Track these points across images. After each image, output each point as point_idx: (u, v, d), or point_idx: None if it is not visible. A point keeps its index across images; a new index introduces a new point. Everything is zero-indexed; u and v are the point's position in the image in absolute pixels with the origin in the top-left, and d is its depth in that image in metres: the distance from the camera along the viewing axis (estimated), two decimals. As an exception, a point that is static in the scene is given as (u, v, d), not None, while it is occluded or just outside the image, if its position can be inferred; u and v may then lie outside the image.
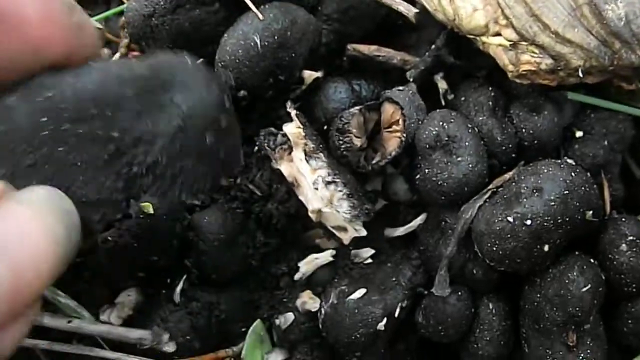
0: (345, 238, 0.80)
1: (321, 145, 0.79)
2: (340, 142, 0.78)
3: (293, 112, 0.80)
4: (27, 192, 0.48)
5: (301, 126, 0.78)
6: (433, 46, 0.82)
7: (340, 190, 0.77)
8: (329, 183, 0.77)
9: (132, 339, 0.79)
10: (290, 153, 0.79)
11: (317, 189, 0.77)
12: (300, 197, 0.78)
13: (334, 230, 0.80)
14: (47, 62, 0.50)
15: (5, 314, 0.43)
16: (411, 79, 0.82)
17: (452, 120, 0.76)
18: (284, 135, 0.79)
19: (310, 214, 0.78)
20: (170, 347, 0.80)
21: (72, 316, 0.79)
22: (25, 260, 0.43)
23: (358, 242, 0.83)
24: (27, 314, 0.46)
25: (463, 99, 0.81)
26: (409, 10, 0.80)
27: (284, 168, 0.79)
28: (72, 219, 0.50)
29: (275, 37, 0.77)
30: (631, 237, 0.75)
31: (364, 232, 0.80)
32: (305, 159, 0.78)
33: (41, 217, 0.46)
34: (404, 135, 0.78)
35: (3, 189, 0.48)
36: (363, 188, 0.82)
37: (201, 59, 0.63)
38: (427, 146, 0.76)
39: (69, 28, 0.50)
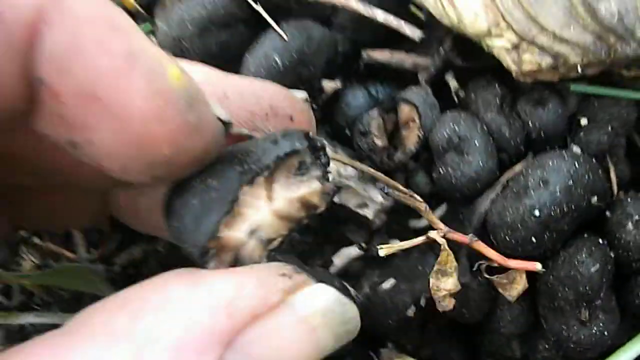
0: (369, 213, 0.87)
1: None
2: (364, 144, 0.85)
3: None
4: (311, 298, 0.44)
5: None
6: (441, 49, 0.88)
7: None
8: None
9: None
10: None
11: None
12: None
13: (357, 210, 0.87)
14: (150, 161, 0.44)
15: None
16: (423, 81, 0.88)
17: (462, 122, 0.82)
18: None
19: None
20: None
21: None
22: None
23: (387, 233, 0.90)
24: None
25: (473, 96, 0.86)
26: (414, 33, 0.87)
27: None
28: (348, 327, 0.46)
29: (295, 55, 0.83)
30: (637, 217, 0.80)
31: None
32: None
33: (314, 336, 0.43)
34: (421, 131, 0.84)
35: (304, 280, 0.45)
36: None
37: None
38: (441, 148, 0.82)
39: (181, 128, 0.43)
